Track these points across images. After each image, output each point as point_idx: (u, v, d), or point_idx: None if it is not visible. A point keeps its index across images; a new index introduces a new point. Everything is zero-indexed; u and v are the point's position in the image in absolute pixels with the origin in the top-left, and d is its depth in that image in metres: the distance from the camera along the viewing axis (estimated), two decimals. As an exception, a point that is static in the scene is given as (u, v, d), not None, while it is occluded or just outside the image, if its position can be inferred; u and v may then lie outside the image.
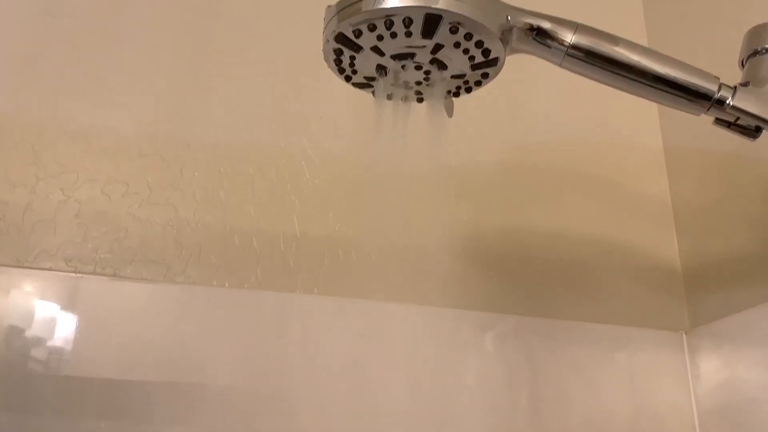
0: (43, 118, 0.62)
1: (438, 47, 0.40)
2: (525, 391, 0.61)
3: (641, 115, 0.76)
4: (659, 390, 0.65)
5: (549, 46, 0.41)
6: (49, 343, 0.54)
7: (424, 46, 0.40)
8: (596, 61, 0.41)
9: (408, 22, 0.38)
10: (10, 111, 0.62)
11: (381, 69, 0.42)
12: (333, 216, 0.63)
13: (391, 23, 0.38)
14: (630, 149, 0.74)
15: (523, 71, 0.59)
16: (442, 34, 0.39)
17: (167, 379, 0.54)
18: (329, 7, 0.40)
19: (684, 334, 0.67)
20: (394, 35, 0.39)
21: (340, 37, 0.40)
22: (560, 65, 0.42)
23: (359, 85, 0.45)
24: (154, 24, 0.70)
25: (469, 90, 0.45)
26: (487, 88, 0.46)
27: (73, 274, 0.56)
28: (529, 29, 0.41)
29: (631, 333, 0.66)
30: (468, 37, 0.39)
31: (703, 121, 0.44)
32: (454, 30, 0.39)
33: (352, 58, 0.42)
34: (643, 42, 0.80)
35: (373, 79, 0.44)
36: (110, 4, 0.69)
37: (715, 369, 0.64)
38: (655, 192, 0.73)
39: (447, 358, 0.61)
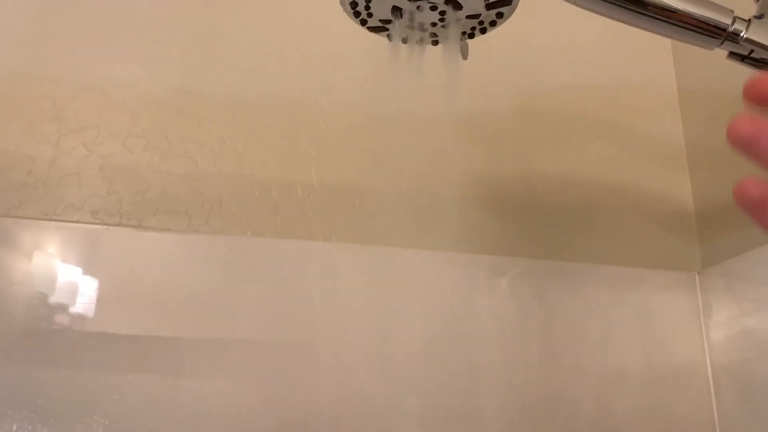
0: (62, 74, 0.63)
1: (453, -14, 0.41)
2: (538, 333, 0.63)
3: (655, 57, 0.75)
4: (672, 330, 0.66)
5: (562, -16, 0.42)
6: (76, 294, 0.55)
7: None
8: (610, -3, 0.42)
9: None
10: (29, 68, 0.63)
11: (397, 11, 0.43)
12: (348, 165, 0.64)
13: None
14: (644, 92, 0.73)
15: (535, 16, 0.59)
16: None
17: (192, 327, 0.56)
18: None
19: (696, 275, 0.68)
20: None
21: None
22: (574, 3, 0.42)
23: (374, 29, 0.46)
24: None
25: (483, 31, 0.45)
26: (500, 33, 0.46)
27: (100, 226, 0.58)
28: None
29: (644, 274, 0.67)
30: None
31: (718, 62, 0.44)
32: None
33: (368, 1, 0.42)
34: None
35: (388, 22, 0.44)
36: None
37: (726, 308, 0.65)
38: (668, 134, 0.73)
39: (462, 301, 0.62)
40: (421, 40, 0.45)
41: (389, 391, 0.58)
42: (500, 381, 0.61)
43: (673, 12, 0.42)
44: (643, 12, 0.42)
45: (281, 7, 0.70)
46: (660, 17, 0.42)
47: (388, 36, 0.46)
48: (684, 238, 0.70)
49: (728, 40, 0.41)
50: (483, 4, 0.42)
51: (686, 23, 0.42)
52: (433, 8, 0.42)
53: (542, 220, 0.67)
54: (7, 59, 0.63)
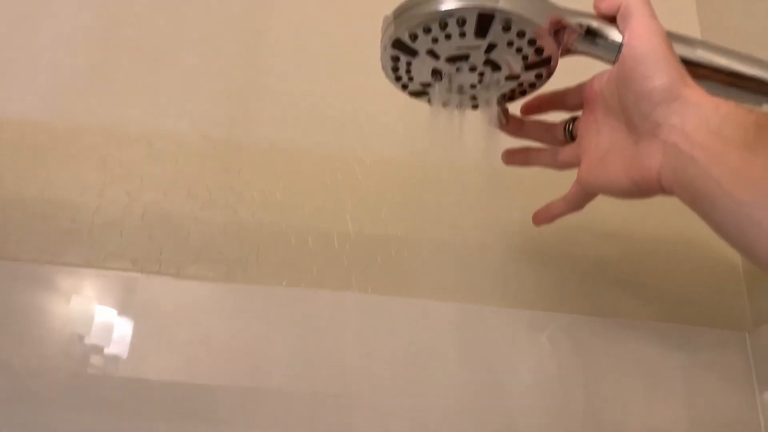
0: (109, 123, 0.65)
1: (491, 47, 0.40)
2: (580, 390, 0.61)
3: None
4: (721, 391, 0.63)
5: (599, 45, 0.41)
6: (114, 341, 0.56)
7: (478, 47, 0.40)
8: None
9: (461, 22, 0.39)
10: (79, 118, 0.65)
11: (436, 74, 0.43)
12: (385, 215, 0.64)
13: (446, 24, 0.39)
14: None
15: (571, 73, 0.58)
16: (495, 33, 0.39)
17: (227, 376, 0.56)
18: (386, 17, 0.40)
19: (747, 334, 0.65)
20: (448, 36, 0.40)
21: (397, 43, 0.41)
22: (613, 63, 0.42)
23: (415, 94, 0.46)
24: (210, 31, 0.72)
25: (523, 93, 0.45)
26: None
27: (139, 274, 0.59)
28: (579, 29, 0.41)
29: (690, 332, 0.64)
30: (521, 35, 0.39)
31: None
32: (506, 28, 0.39)
33: (409, 64, 0.42)
34: (695, 30, 0.78)
35: (428, 85, 0.44)
36: (168, 15, 0.72)
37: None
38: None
39: (501, 357, 0.61)
40: (461, 104, 0.45)
41: (423, 448, 0.56)
42: (540, 441, 0.58)
43: (719, 71, 0.41)
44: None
45: (320, 61, 0.71)
46: (708, 76, 0.41)
47: (429, 101, 0.46)
48: (732, 294, 0.67)
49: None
50: (522, 64, 0.42)
51: (735, 80, 0.41)
52: (472, 69, 0.42)
53: (584, 274, 0.65)
54: (59, 110, 0.65)
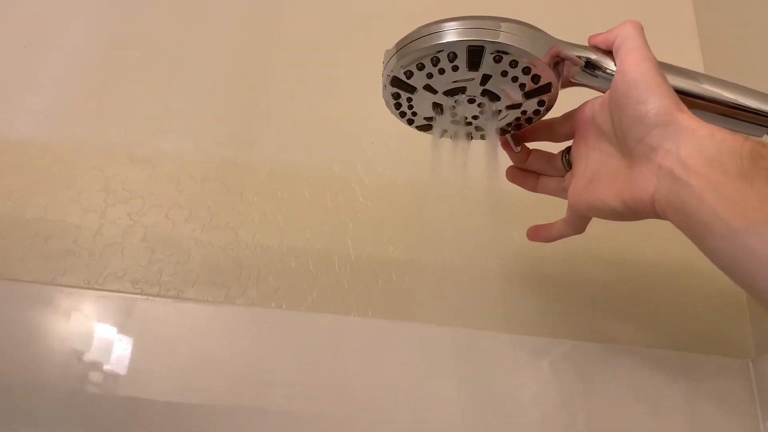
0: (113, 145, 0.65)
1: (486, 78, 0.40)
2: (582, 418, 0.60)
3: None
4: (724, 421, 0.62)
5: (599, 77, 0.41)
6: (113, 363, 0.56)
7: (472, 79, 0.41)
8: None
9: (453, 56, 0.39)
10: (83, 139, 0.66)
11: (437, 107, 0.43)
12: (386, 239, 0.64)
13: (437, 60, 0.39)
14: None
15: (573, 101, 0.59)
16: (487, 64, 0.39)
17: (226, 399, 0.56)
18: (387, 51, 0.41)
19: (750, 362, 0.64)
20: (442, 71, 0.40)
21: (395, 81, 0.41)
22: None
23: (422, 128, 0.46)
24: (215, 55, 0.73)
25: (529, 121, 0.45)
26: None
27: (140, 296, 0.59)
28: (579, 61, 0.41)
29: (693, 359, 0.64)
30: (513, 64, 0.39)
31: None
32: (498, 59, 0.39)
33: (410, 99, 0.43)
34: (699, 62, 0.78)
35: (432, 119, 0.44)
36: (172, 38, 0.73)
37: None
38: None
39: (502, 383, 0.60)
40: (467, 136, 0.45)
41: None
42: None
43: (716, 102, 0.41)
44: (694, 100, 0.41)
45: (323, 84, 0.72)
46: (704, 107, 0.41)
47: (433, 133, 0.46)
48: (736, 322, 0.66)
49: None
50: (520, 92, 0.42)
51: (734, 110, 0.41)
52: (471, 101, 0.42)
53: (587, 301, 0.65)
54: (62, 131, 0.66)
